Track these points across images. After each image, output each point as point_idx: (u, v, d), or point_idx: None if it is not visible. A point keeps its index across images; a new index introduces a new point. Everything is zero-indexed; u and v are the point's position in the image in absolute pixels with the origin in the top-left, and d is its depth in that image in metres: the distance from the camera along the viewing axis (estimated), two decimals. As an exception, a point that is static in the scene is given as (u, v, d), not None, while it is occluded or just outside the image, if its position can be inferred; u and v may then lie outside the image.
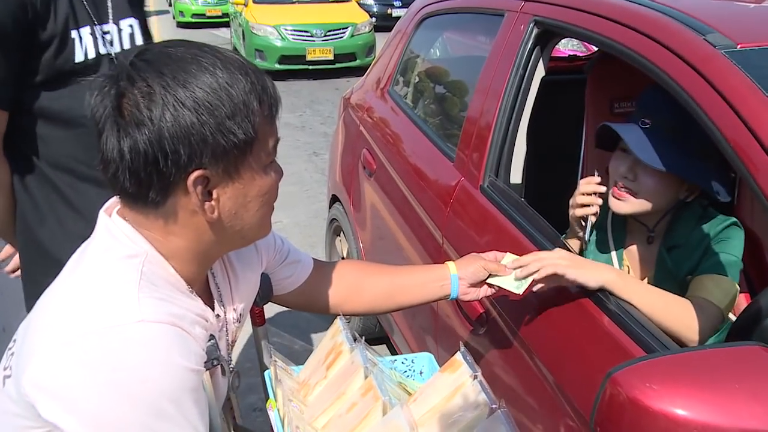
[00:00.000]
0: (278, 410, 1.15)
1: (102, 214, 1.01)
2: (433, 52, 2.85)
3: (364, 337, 1.25)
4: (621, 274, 1.45)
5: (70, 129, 1.51)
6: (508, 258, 1.44)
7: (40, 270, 1.53)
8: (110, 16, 1.61)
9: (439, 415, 1.05)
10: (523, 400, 1.52)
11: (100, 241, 0.99)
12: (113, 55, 1.58)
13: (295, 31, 10.36)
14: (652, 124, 1.50)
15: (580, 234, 1.64)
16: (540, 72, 1.88)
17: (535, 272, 1.35)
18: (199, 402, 0.94)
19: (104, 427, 0.87)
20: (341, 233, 3.27)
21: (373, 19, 13.34)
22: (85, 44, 1.52)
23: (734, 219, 1.56)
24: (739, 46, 1.30)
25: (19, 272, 1.71)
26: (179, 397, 0.90)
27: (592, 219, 1.57)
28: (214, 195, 0.94)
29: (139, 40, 1.70)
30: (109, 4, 1.61)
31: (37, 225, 1.58)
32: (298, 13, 10.92)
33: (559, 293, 1.43)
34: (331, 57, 10.29)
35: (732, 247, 1.52)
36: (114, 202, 1.02)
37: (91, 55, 1.52)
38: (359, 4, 12.64)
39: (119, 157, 0.89)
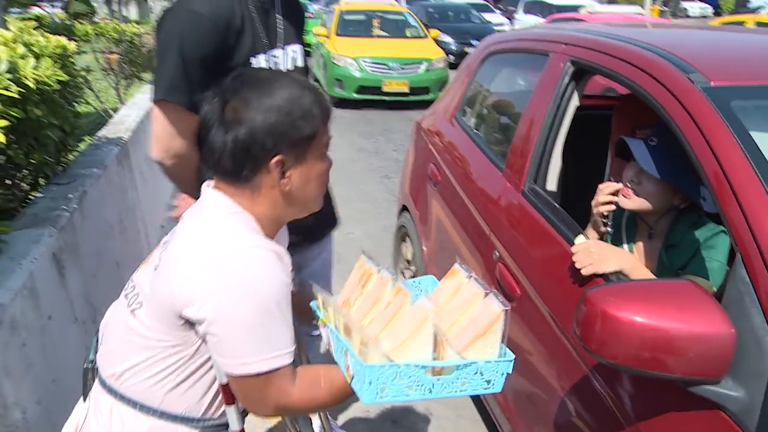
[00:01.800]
0: (331, 323, 1.42)
1: (205, 188, 1.39)
2: (493, 84, 3.34)
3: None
4: (634, 262, 1.87)
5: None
6: None
7: None
8: (280, 41, 2.04)
9: (448, 308, 1.40)
10: (541, 348, 1.98)
11: (209, 203, 1.36)
12: None
13: (373, 63, 10.88)
14: (657, 143, 1.94)
15: (601, 228, 2.08)
16: (575, 102, 2.34)
17: None
18: (290, 307, 1.31)
19: (235, 317, 1.24)
20: (407, 239, 3.77)
21: (451, 57, 13.94)
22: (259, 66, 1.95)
23: (723, 228, 1.91)
24: (711, 83, 1.73)
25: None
26: (280, 301, 1.27)
27: (609, 212, 2.02)
28: (288, 174, 1.33)
29: (299, 62, 2.13)
30: (279, 33, 2.03)
31: None
32: (377, 47, 11.48)
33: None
34: (406, 89, 10.78)
35: (717, 253, 1.89)
36: (209, 182, 1.39)
37: None
38: (438, 41, 13.18)
39: (223, 146, 1.28)
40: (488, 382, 1.31)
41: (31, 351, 2.02)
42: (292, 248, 1.73)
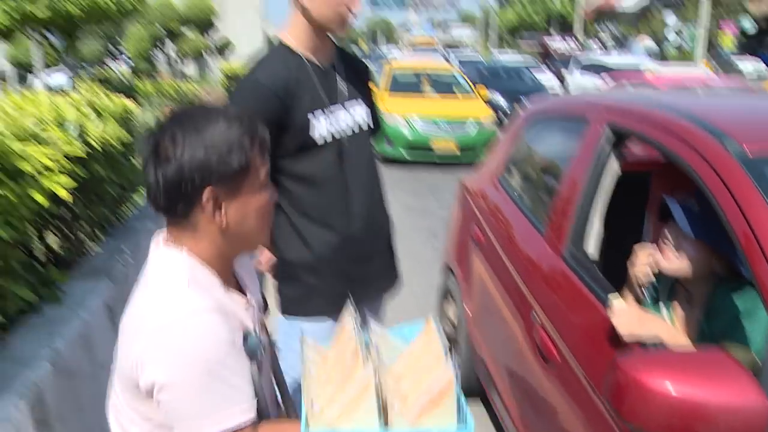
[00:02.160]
0: (303, 378, 1.43)
1: (153, 241, 1.40)
2: (535, 148, 3.40)
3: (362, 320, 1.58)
4: (671, 328, 1.88)
5: (307, 185, 2.13)
6: None
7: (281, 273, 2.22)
8: (340, 102, 2.19)
9: (415, 366, 1.38)
10: (577, 412, 1.98)
11: (153, 260, 1.38)
12: (341, 134, 2.18)
13: (423, 122, 10.95)
14: (697, 207, 1.97)
15: (638, 291, 2.10)
16: (614, 166, 2.38)
17: None
18: (240, 361, 1.31)
19: (180, 382, 1.25)
20: (450, 298, 3.80)
21: (503, 116, 14.07)
22: (318, 124, 2.12)
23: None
24: (746, 151, 1.76)
25: (268, 269, 2.34)
26: (223, 360, 1.27)
27: (645, 277, 2.04)
28: (223, 208, 1.32)
29: (363, 120, 2.26)
30: (340, 91, 2.19)
31: (282, 245, 2.20)
32: (427, 106, 11.53)
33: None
34: (454, 149, 10.84)
35: (758, 322, 1.86)
36: (159, 234, 1.40)
37: (323, 132, 2.12)
38: (490, 101, 13.29)
39: (156, 183, 1.29)
40: None
41: (83, 397, 2.11)
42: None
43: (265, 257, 2.35)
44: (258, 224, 1.41)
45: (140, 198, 3.87)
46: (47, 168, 2.05)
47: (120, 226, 3.18)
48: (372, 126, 2.33)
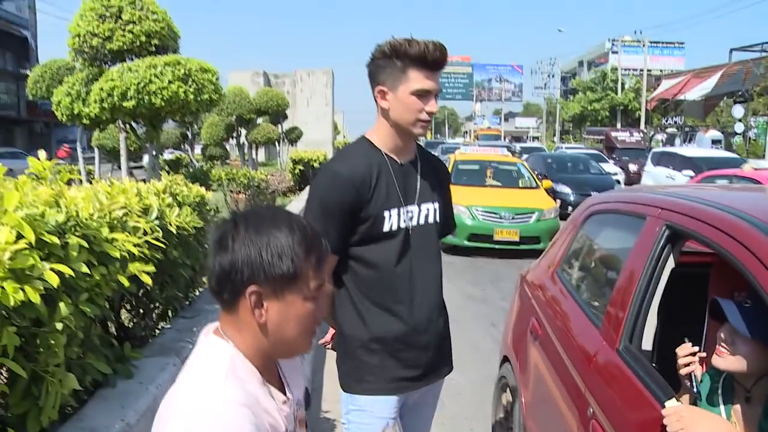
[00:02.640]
0: None
1: (201, 334, 1.45)
2: (593, 243, 3.45)
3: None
4: (728, 428, 1.87)
5: (373, 270, 2.23)
6: None
7: (339, 348, 2.32)
8: (416, 200, 2.30)
9: None
10: None
11: (200, 347, 1.42)
12: (410, 227, 2.27)
13: (485, 212, 11.07)
14: (751, 304, 1.99)
15: (689, 387, 2.10)
16: (670, 264, 2.42)
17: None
18: None
19: None
20: (507, 389, 3.79)
21: (570, 208, 14.05)
22: (392, 220, 2.22)
23: None
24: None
25: (330, 344, 2.49)
26: None
27: (695, 374, 2.05)
28: (264, 306, 1.35)
29: (431, 219, 2.35)
30: (417, 191, 2.30)
31: (343, 322, 2.29)
32: (490, 196, 11.69)
33: None
34: (516, 239, 10.83)
35: None
36: (212, 325, 1.45)
37: (395, 227, 2.23)
38: (556, 192, 13.30)
39: (213, 268, 1.37)
40: None
41: (147, 472, 2.20)
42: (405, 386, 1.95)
43: (330, 333, 2.48)
44: (298, 332, 1.43)
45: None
46: (131, 253, 2.22)
47: (189, 307, 3.33)
48: (439, 221, 2.40)
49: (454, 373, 5.46)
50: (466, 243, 10.91)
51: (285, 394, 1.49)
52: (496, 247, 10.89)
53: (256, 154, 27.36)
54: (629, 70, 54.42)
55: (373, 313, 2.26)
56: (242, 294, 1.36)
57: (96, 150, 17.49)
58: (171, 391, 1.39)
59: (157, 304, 3.00)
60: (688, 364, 2.07)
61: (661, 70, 54.70)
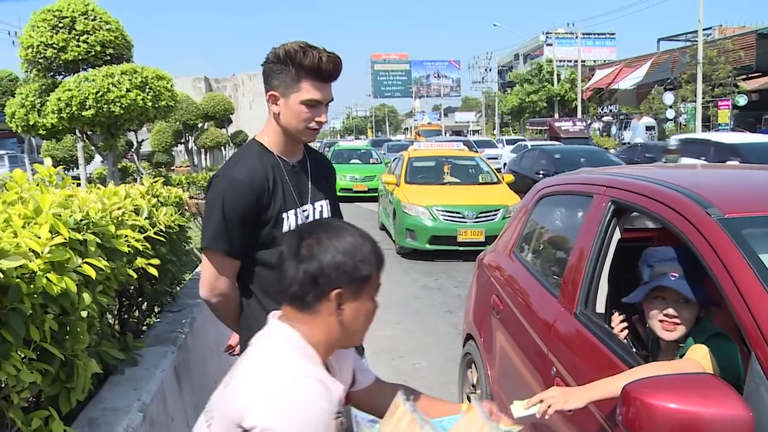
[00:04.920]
0: None
1: (271, 318, 1.66)
2: (546, 222, 3.78)
3: (412, 397, 1.80)
4: (604, 392, 2.11)
5: (272, 270, 2.17)
6: (520, 403, 2.18)
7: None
8: (309, 199, 2.33)
9: None
10: None
11: (274, 332, 1.61)
12: (304, 222, 2.26)
13: (446, 212, 10.30)
14: (682, 274, 2.30)
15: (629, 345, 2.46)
16: (617, 235, 2.73)
17: (544, 410, 2.10)
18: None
19: (279, 430, 1.42)
20: (473, 365, 4.09)
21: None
22: (290, 221, 2.24)
23: (722, 331, 2.21)
24: (726, 215, 2.12)
25: (236, 351, 2.50)
26: (319, 427, 1.45)
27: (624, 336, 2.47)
28: (343, 306, 1.58)
29: (325, 215, 2.38)
30: (309, 190, 2.34)
31: (252, 323, 2.19)
32: (450, 195, 10.92)
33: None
34: (482, 239, 9.89)
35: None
36: (275, 313, 1.66)
37: (293, 227, 2.23)
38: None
39: (295, 274, 1.55)
40: None
41: (161, 446, 2.42)
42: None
43: (234, 338, 2.55)
44: (364, 326, 1.67)
45: (188, 276, 4.24)
46: (135, 249, 2.42)
47: (174, 302, 3.52)
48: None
49: (418, 358, 5.83)
50: (428, 246, 10.23)
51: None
52: (461, 249, 10.13)
53: (205, 159, 27.21)
54: (564, 61, 55.71)
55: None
56: (326, 295, 1.57)
57: (46, 161, 17.18)
58: (246, 365, 1.59)
59: (148, 299, 3.18)
60: (622, 330, 2.45)
61: (594, 61, 56.23)
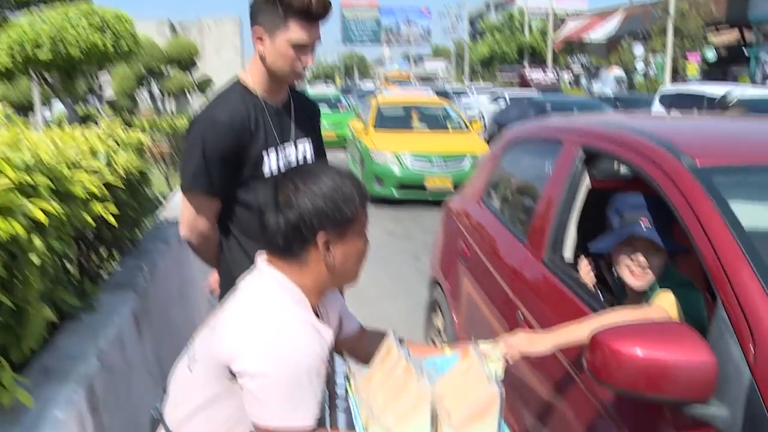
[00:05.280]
0: (353, 396, 1.63)
1: (259, 259, 1.63)
2: (514, 169, 3.74)
3: (405, 339, 1.79)
4: (569, 338, 2.06)
5: (253, 212, 2.18)
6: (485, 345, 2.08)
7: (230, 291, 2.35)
8: (291, 138, 2.31)
9: (457, 386, 1.58)
10: (559, 388, 2.29)
11: (262, 276, 1.59)
12: (286, 164, 2.26)
13: (414, 159, 10.30)
14: (649, 222, 2.27)
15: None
16: (586, 182, 2.70)
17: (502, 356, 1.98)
18: (321, 378, 1.49)
19: (269, 377, 1.42)
20: (438, 310, 4.08)
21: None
22: (271, 162, 2.22)
23: (688, 279, 2.22)
24: (698, 164, 2.09)
25: (216, 291, 2.44)
26: (311, 371, 1.45)
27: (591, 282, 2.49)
28: (331, 250, 1.56)
29: (309, 156, 2.37)
30: (292, 130, 2.31)
31: (231, 265, 2.26)
32: (419, 142, 10.89)
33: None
34: (450, 186, 9.88)
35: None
36: (263, 254, 1.62)
37: (273, 167, 2.23)
38: None
39: (276, 226, 1.53)
40: None
41: (121, 392, 2.37)
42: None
43: (213, 277, 2.51)
44: (356, 265, 1.66)
45: (150, 222, 4.14)
46: (91, 193, 2.32)
47: (135, 248, 3.44)
48: (316, 159, 2.43)
49: (385, 303, 5.83)
50: (396, 194, 10.21)
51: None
52: (429, 197, 10.08)
53: (169, 104, 26.64)
54: (536, 12, 55.26)
55: (257, 249, 2.28)
56: (312, 242, 1.54)
57: (-3, 105, 16.64)
58: (234, 308, 1.56)
59: (105, 245, 3.09)
60: (588, 275, 2.48)
61: (566, 12, 55.83)
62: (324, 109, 19.90)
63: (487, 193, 3.79)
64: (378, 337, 1.87)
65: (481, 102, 25.98)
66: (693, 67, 31.82)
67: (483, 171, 3.97)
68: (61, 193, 2.16)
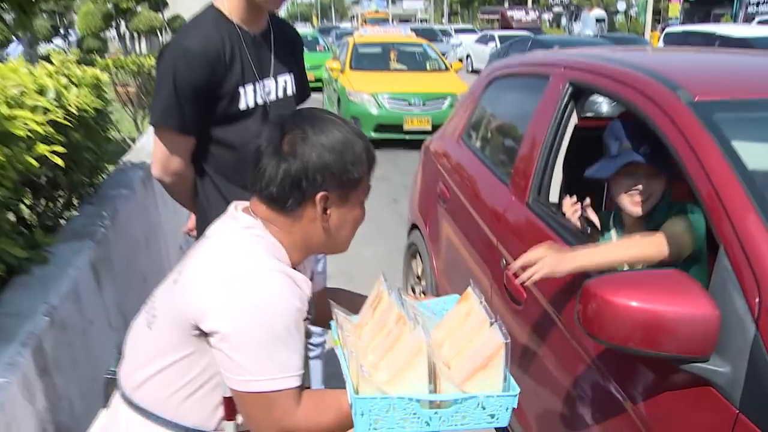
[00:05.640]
0: (341, 347, 1.44)
1: (234, 208, 1.47)
2: (497, 107, 3.55)
3: (399, 288, 1.60)
4: (582, 258, 1.95)
5: (231, 151, 2.09)
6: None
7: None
8: (271, 72, 2.15)
9: (458, 334, 1.42)
10: (547, 344, 2.16)
11: (237, 222, 1.42)
12: (268, 103, 2.13)
13: (392, 99, 10.04)
14: (647, 152, 2.13)
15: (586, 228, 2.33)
16: (573, 120, 2.53)
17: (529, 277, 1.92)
18: (301, 331, 1.35)
19: (244, 335, 1.27)
20: (417, 255, 3.95)
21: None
22: (247, 96, 2.07)
23: (687, 202, 2.09)
24: (696, 99, 1.93)
25: (194, 233, 2.38)
26: (290, 324, 1.30)
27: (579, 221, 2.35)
28: (328, 212, 1.40)
29: (290, 92, 2.22)
30: (272, 63, 2.14)
31: (207, 207, 2.17)
32: (396, 82, 10.63)
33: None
34: (428, 127, 9.68)
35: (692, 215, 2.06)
36: (238, 204, 1.47)
37: (251, 104, 2.09)
38: None
39: (275, 174, 1.35)
40: (492, 416, 1.31)
41: (77, 350, 2.20)
42: None
43: (191, 220, 2.41)
44: (350, 233, 1.50)
45: (113, 166, 3.92)
46: (35, 133, 2.11)
47: (96, 193, 3.23)
48: (298, 94, 2.30)
49: (361, 247, 5.68)
50: (374, 135, 9.85)
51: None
52: (407, 138, 9.88)
53: (139, 45, 25.78)
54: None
55: (236, 194, 2.11)
56: (310, 200, 1.38)
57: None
58: (201, 258, 1.39)
59: (63, 191, 2.88)
60: (574, 213, 2.33)
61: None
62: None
63: (467, 132, 3.61)
64: (346, 297, 1.72)
65: (467, 43, 25.55)
66: (675, 7, 31.47)
67: (463, 109, 3.77)
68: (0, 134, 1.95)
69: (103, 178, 3.51)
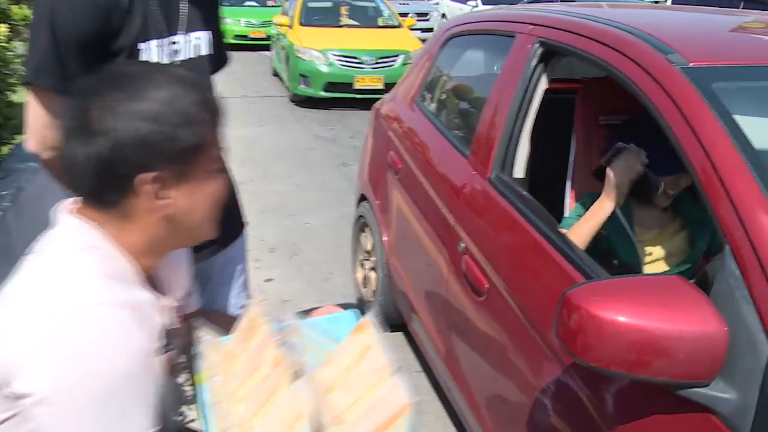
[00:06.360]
0: (205, 384, 1.20)
1: (59, 212, 1.10)
2: (455, 68, 3.22)
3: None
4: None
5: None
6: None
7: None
8: (183, 27, 1.77)
9: (351, 376, 1.12)
10: (510, 342, 1.88)
11: (58, 235, 1.08)
12: (176, 63, 1.78)
13: (343, 56, 9.63)
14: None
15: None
16: (543, 84, 2.23)
17: None
18: (151, 378, 1.05)
19: (66, 399, 0.95)
20: (366, 229, 3.64)
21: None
22: (151, 54, 1.69)
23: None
24: (691, 64, 1.64)
25: None
26: (133, 375, 1.00)
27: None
28: (169, 194, 1.06)
29: (203, 51, 1.87)
30: (182, 18, 1.78)
31: None
32: (347, 38, 10.22)
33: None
34: (381, 86, 9.34)
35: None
36: (70, 202, 1.11)
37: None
38: None
39: (84, 161, 1.02)
40: None
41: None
42: (196, 257, 1.52)
43: None
44: (208, 214, 1.15)
45: (19, 138, 3.49)
46: None
47: (-3, 165, 2.83)
48: (213, 54, 1.92)
49: (308, 216, 5.37)
50: (323, 94, 9.52)
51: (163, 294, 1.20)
52: (358, 96, 9.44)
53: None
54: None
55: None
56: (134, 187, 1.03)
57: None
58: (14, 291, 1.02)
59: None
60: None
61: None
62: (251, 4, 18.68)
63: (421, 95, 3.27)
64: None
65: (444, 1, 24.82)
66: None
67: (417, 69, 3.43)
68: None
69: (8, 149, 3.08)
